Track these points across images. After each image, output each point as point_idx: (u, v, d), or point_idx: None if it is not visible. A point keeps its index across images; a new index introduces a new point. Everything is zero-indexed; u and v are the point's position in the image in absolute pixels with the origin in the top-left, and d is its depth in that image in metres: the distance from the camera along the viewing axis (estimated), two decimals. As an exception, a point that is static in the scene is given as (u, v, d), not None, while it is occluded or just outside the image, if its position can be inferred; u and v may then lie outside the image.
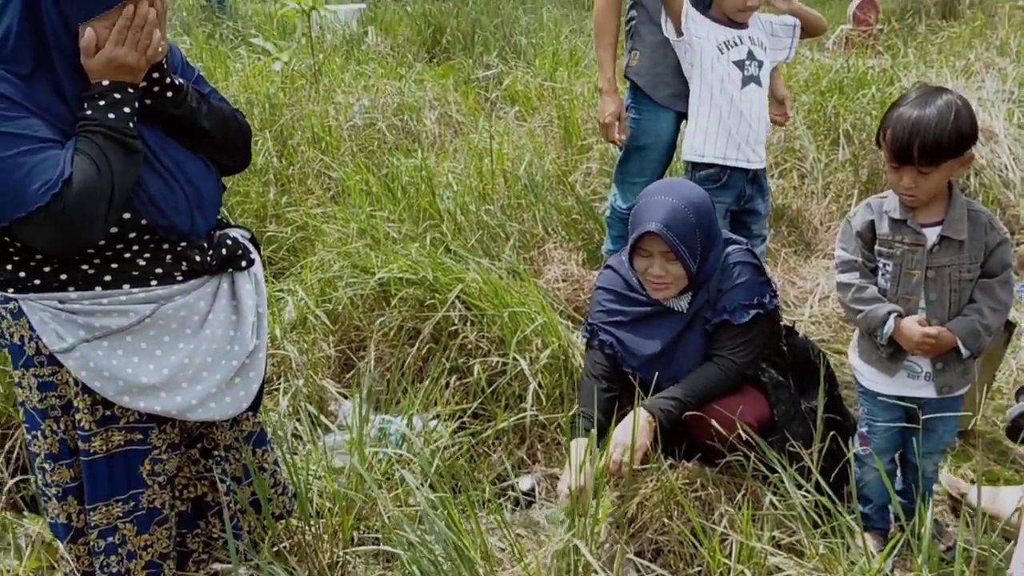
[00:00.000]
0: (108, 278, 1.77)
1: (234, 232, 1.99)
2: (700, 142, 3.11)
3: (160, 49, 1.71)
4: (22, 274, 1.74)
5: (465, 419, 2.85)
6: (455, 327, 3.04)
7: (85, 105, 1.67)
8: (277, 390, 2.97)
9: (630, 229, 2.49)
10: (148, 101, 1.78)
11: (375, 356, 3.12)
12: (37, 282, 1.74)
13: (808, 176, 4.66)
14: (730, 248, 2.53)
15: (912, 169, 2.08)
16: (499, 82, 6.38)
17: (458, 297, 3.05)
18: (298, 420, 2.86)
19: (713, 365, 2.47)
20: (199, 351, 1.86)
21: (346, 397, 3.07)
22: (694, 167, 3.16)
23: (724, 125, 3.07)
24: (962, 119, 2.06)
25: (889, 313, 2.17)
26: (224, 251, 1.90)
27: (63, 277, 1.74)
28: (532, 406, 2.77)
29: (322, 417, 2.89)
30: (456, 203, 3.85)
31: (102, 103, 1.66)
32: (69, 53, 1.67)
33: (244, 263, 1.95)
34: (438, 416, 2.83)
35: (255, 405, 2.02)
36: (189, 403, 1.84)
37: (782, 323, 2.70)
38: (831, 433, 2.34)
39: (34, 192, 1.57)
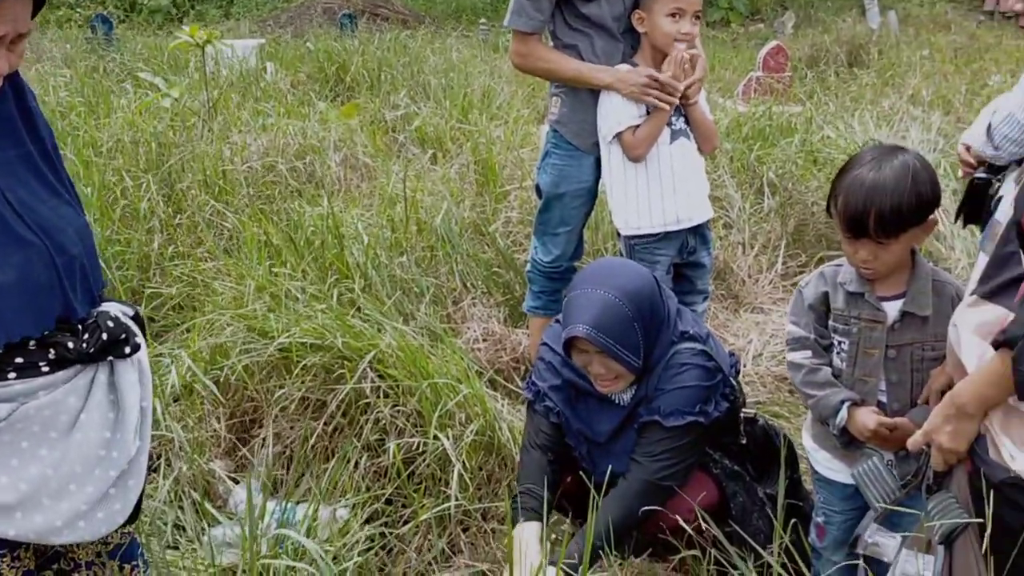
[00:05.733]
0: None
1: (115, 309, 1.62)
2: (634, 216, 2.90)
3: None
4: None
5: (378, 506, 2.50)
6: (367, 400, 2.69)
7: None
8: (156, 471, 2.57)
9: (563, 318, 2.21)
10: None
11: (273, 433, 2.73)
12: None
13: (734, 226, 4.49)
14: (682, 345, 2.24)
15: (869, 241, 1.85)
16: (408, 123, 6.11)
17: (371, 366, 2.71)
18: (180, 508, 2.49)
19: (623, 491, 2.15)
20: (67, 459, 1.51)
21: (237, 481, 2.68)
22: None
23: (657, 189, 2.87)
24: (921, 182, 1.83)
25: (842, 402, 1.93)
26: (105, 335, 1.54)
27: None
28: (457, 491, 2.44)
29: (208, 505, 2.50)
30: (367, 256, 3.51)
31: None
32: None
33: (128, 349, 1.58)
34: (347, 504, 2.48)
35: (132, 517, 1.66)
36: (52, 524, 1.50)
37: (742, 413, 2.43)
38: (792, 522, 2.09)
39: None
